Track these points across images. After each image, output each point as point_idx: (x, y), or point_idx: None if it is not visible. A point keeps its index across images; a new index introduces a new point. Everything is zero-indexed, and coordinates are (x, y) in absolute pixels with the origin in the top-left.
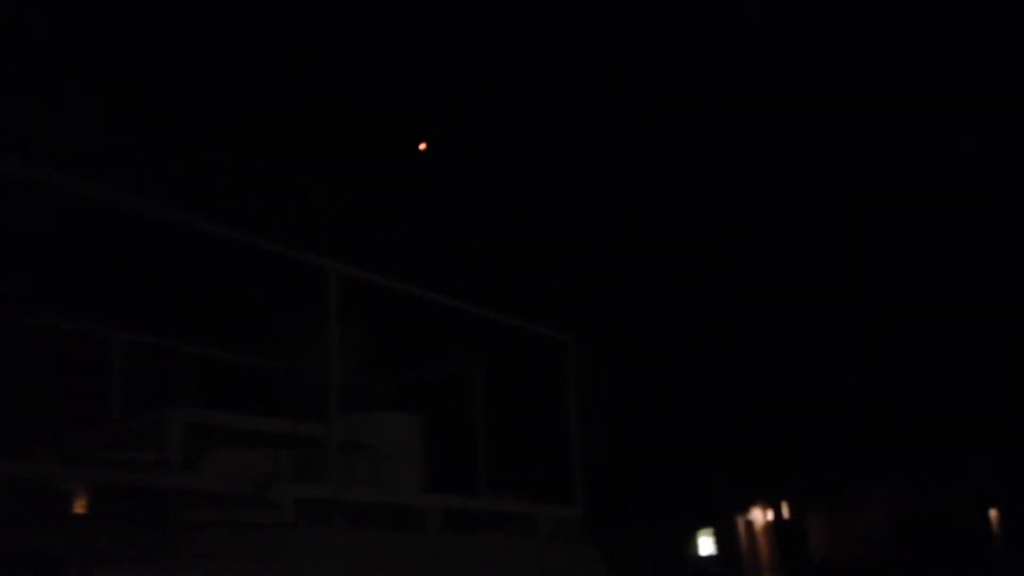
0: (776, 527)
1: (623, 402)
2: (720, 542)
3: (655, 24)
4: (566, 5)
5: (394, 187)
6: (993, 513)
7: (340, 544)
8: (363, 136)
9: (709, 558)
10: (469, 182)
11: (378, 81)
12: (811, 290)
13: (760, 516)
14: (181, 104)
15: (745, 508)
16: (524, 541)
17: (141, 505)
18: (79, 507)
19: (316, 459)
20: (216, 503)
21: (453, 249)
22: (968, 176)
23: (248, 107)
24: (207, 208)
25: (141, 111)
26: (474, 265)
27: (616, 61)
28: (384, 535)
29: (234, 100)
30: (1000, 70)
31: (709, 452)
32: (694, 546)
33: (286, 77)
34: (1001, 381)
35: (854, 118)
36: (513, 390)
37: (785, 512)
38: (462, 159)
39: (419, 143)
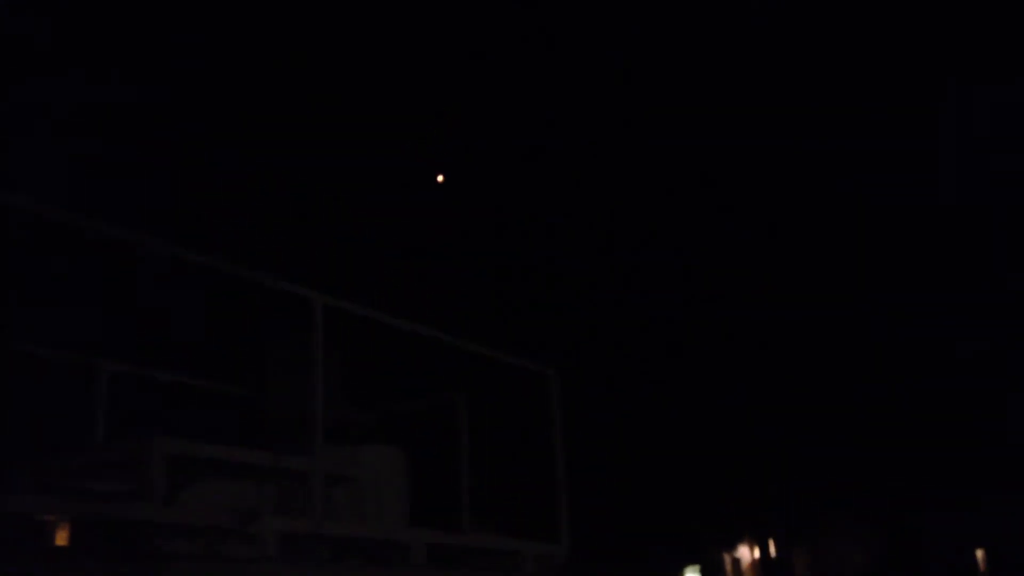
0: (762, 563)
1: (609, 437)
2: None
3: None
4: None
5: (379, 218)
6: (980, 553)
7: None
8: (348, 169)
9: None
10: (456, 215)
11: (365, 111)
12: (789, 326)
13: (747, 553)
14: (169, 127)
15: (732, 545)
16: None
17: (121, 537)
18: (60, 539)
19: (299, 492)
20: (198, 536)
21: (437, 280)
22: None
23: (232, 132)
24: (194, 237)
25: (132, 133)
26: (459, 297)
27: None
28: (366, 570)
29: (220, 124)
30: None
31: (697, 489)
32: None
33: (278, 103)
34: (989, 420)
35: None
36: (498, 423)
37: (771, 549)
38: (451, 193)
39: (437, 176)
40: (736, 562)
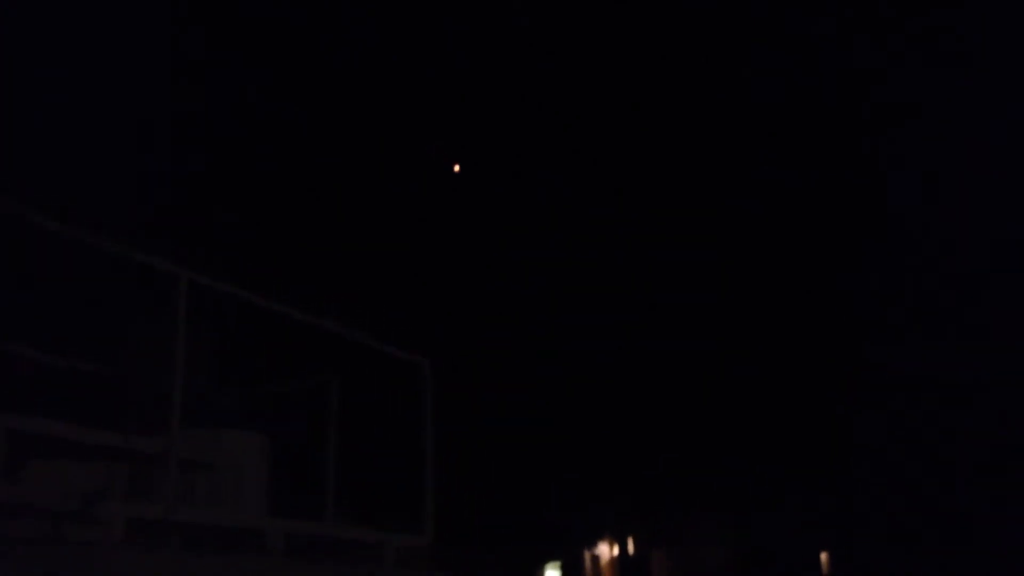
0: (621, 561)
1: (474, 431)
2: (566, 575)
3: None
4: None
5: (255, 198)
6: (824, 556)
7: (172, 567)
8: (225, 143)
9: None
10: (335, 198)
11: (239, 85)
12: (663, 322)
13: (606, 550)
14: (30, 98)
15: (592, 542)
16: (368, 569)
17: None
18: None
19: (152, 476)
20: (39, 518)
21: (311, 265)
22: None
23: (98, 104)
24: (51, 205)
25: None
26: (333, 283)
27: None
28: (220, 559)
29: (83, 93)
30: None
31: (558, 486)
32: None
33: (148, 75)
34: (835, 428)
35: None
36: (366, 412)
37: (630, 547)
38: (331, 173)
39: (453, 166)
40: (595, 559)
